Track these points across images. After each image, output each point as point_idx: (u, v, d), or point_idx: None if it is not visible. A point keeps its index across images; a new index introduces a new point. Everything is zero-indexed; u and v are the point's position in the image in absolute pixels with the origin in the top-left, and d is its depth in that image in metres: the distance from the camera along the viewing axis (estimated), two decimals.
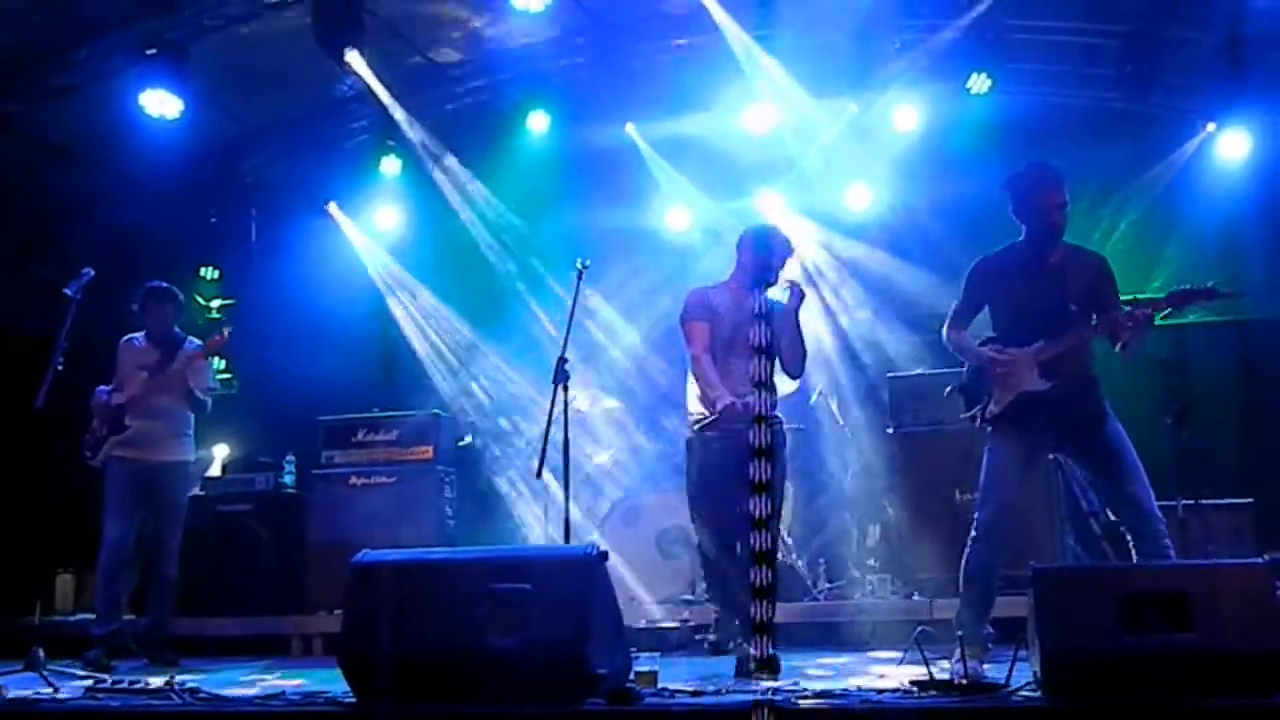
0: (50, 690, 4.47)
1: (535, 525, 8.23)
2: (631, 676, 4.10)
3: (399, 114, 8.86)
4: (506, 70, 9.08)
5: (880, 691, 3.93)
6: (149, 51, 7.60)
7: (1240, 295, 4.79)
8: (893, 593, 7.15)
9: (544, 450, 5.43)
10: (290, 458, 8.41)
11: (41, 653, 4.88)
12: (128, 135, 7.99)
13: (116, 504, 6.47)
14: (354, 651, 3.91)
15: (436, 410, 8.51)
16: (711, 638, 5.98)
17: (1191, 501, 6.85)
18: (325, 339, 9.03)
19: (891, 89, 8.60)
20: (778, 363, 5.23)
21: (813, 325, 8.07)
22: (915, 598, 6.91)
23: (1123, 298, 4.81)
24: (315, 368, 8.68)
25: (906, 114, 8.70)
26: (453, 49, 8.95)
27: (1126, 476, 4.60)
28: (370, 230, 9.85)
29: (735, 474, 4.87)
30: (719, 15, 8.20)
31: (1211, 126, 8.56)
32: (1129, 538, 4.60)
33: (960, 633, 4.60)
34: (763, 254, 5.29)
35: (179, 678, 4.54)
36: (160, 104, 7.69)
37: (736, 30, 8.26)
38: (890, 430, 7.52)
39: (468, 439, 8.64)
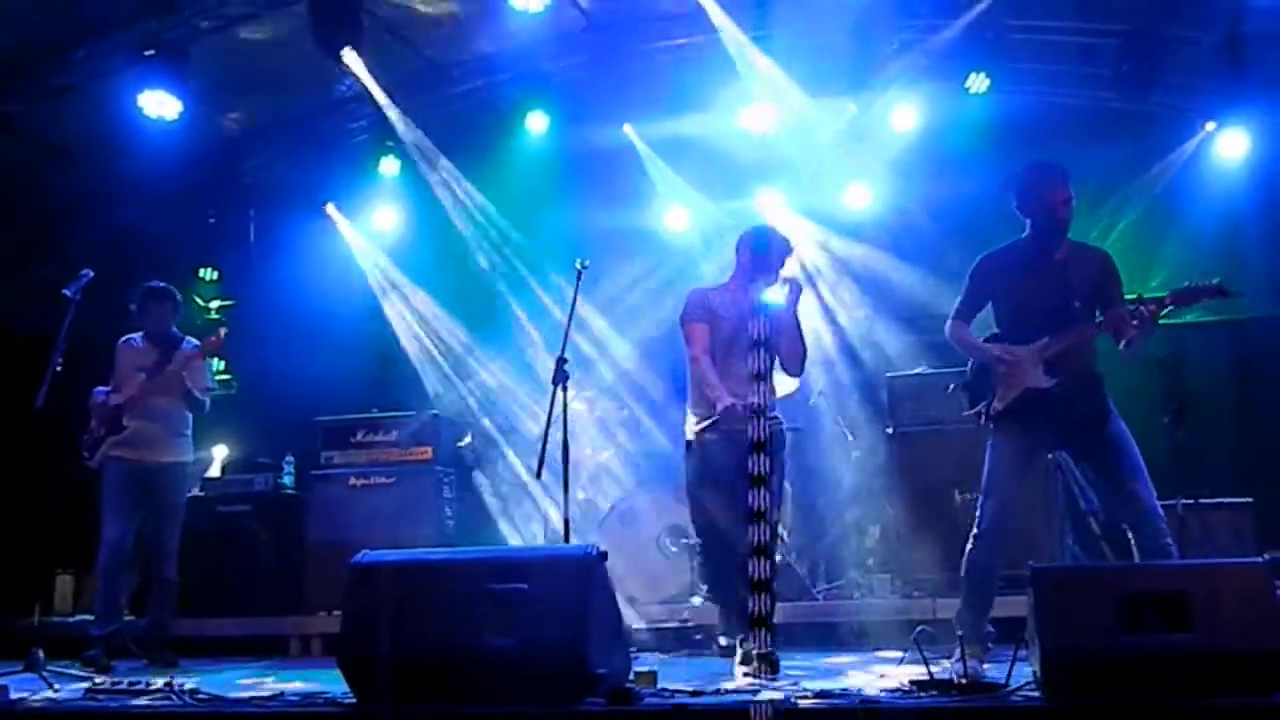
0: (50, 691, 4.47)
1: (535, 525, 8.24)
2: (631, 676, 4.10)
3: (393, 114, 8.86)
4: (505, 71, 9.08)
5: (880, 691, 3.94)
6: (148, 52, 7.60)
7: (1240, 294, 4.77)
8: (892, 593, 7.15)
9: (543, 450, 5.43)
10: (289, 458, 8.41)
11: (41, 654, 4.88)
12: (127, 136, 8.00)
13: (114, 505, 6.46)
14: (353, 652, 3.91)
15: (435, 411, 8.51)
16: (722, 641, 5.93)
17: (1191, 501, 6.85)
18: (324, 339, 9.02)
19: (890, 89, 8.60)
20: (777, 362, 5.24)
21: (811, 325, 8.07)
22: (915, 597, 6.90)
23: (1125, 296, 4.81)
24: (314, 368, 8.67)
25: (905, 114, 8.71)
26: (451, 49, 8.95)
27: (1129, 474, 4.60)
28: (369, 231, 9.85)
29: (735, 475, 4.87)
30: (717, 16, 8.21)
31: (1211, 125, 8.56)
32: (1131, 536, 4.59)
33: (960, 632, 4.61)
34: (761, 253, 5.30)
35: (178, 678, 4.54)
36: (159, 105, 7.69)
37: (735, 30, 8.27)
38: (889, 430, 7.52)
39: (467, 439, 8.64)
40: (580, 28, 8.67)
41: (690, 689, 4.04)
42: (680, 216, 9.41)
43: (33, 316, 6.99)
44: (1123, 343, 4.69)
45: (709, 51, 8.44)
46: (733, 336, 5.26)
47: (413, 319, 9.64)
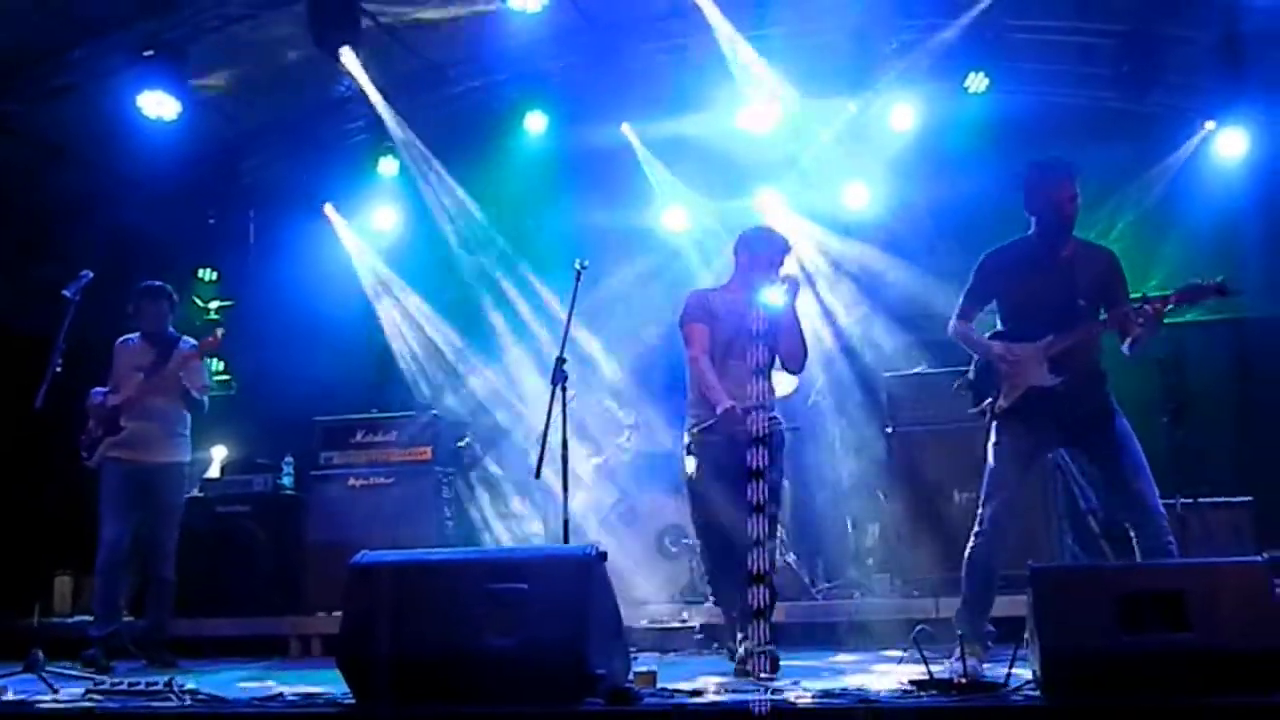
0: (49, 692, 4.47)
1: (534, 525, 8.24)
2: (631, 676, 4.10)
3: (387, 114, 8.86)
4: (503, 71, 9.08)
5: (880, 691, 3.94)
6: (147, 53, 7.60)
7: (1240, 293, 4.77)
8: (891, 592, 7.14)
9: (543, 450, 5.42)
10: (288, 459, 8.40)
11: (41, 654, 4.87)
12: (126, 136, 7.99)
13: (112, 505, 6.46)
14: (353, 652, 3.90)
15: (435, 411, 8.51)
16: (731, 645, 5.87)
17: (1190, 500, 6.85)
18: (324, 340, 9.02)
19: (889, 89, 8.60)
20: (777, 360, 5.23)
21: (810, 324, 8.06)
22: (914, 597, 6.90)
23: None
24: (313, 369, 8.67)
25: (904, 113, 8.70)
26: (449, 50, 8.95)
27: (1132, 474, 4.59)
28: (368, 231, 9.84)
29: (735, 475, 4.87)
30: (715, 16, 8.20)
31: (1210, 125, 8.57)
32: (1132, 535, 4.59)
33: (960, 631, 4.61)
34: (760, 253, 5.30)
35: (177, 679, 4.53)
36: (158, 105, 7.69)
37: (733, 31, 8.26)
38: (888, 429, 7.51)
39: (466, 439, 8.64)
40: (578, 28, 8.66)
41: (690, 689, 4.04)
42: (679, 216, 9.40)
43: (32, 317, 6.98)
44: (1127, 342, 4.69)
45: (707, 51, 8.42)
46: (731, 338, 5.25)
47: (410, 319, 9.64)
